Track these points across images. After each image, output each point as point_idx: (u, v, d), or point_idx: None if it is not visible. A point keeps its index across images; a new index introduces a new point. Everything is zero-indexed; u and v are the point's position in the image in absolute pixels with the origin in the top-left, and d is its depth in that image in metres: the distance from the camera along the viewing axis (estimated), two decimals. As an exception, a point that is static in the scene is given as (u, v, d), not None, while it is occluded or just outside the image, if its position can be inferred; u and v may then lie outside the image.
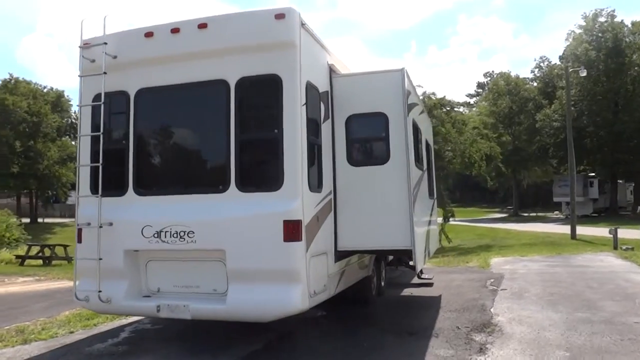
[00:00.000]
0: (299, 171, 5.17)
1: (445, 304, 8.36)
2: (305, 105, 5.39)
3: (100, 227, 5.46)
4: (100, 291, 5.39)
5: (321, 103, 5.98)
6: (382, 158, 6.22)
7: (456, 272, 12.53)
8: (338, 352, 5.85)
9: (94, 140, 5.72)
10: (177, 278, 5.56)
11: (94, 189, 5.75)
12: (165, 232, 5.35)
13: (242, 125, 5.37)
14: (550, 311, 7.60)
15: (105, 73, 5.64)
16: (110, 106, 5.81)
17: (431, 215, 8.87)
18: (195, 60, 5.55)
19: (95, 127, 5.78)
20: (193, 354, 5.80)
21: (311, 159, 5.58)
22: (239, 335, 6.43)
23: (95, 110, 5.79)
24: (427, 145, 8.88)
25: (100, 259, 5.41)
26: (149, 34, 5.69)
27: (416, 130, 7.10)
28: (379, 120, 6.24)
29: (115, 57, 5.75)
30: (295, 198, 5.12)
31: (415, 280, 10.59)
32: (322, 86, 6.05)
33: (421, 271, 11.04)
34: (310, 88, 5.57)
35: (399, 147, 6.10)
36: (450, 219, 21.61)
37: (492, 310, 7.83)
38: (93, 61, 5.78)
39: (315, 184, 5.74)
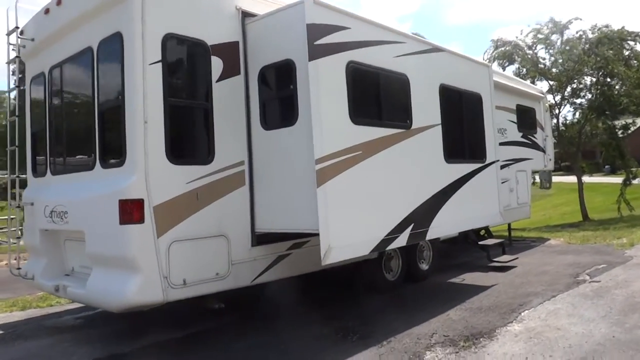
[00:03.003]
0: (141, 141, 4.40)
1: (477, 299, 6.45)
2: (160, 63, 4.55)
3: (18, 206, 5.65)
4: (19, 268, 5.61)
5: (213, 57, 4.99)
6: (290, 117, 4.93)
7: (571, 253, 9.68)
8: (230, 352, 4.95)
9: (23, 123, 5.90)
10: (81, 258, 5.39)
11: (32, 170, 5.99)
12: (54, 211, 5.23)
13: (101, 95, 4.84)
14: (606, 323, 5.15)
15: (18, 57, 5.74)
16: (35, 88, 5.91)
17: (464, 183, 6.83)
18: (74, 30, 5.18)
19: (24, 110, 5.95)
20: (118, 336, 5.66)
21: (181, 125, 4.76)
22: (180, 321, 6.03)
23: (30, 93, 5.97)
24: (453, 94, 6.78)
25: (18, 237, 5.62)
26: (47, 11, 5.53)
27: (369, 77, 5.40)
28: (287, 69, 4.94)
29: (33, 39, 5.78)
30: (133, 174, 4.40)
31: (497, 262, 8.50)
32: (218, 37, 5.04)
33: (503, 251, 8.89)
34: (174, 41, 4.68)
35: (307, 102, 4.73)
36: (633, 181, 16.86)
37: (523, 313, 5.71)
38: (24, 47, 5.92)
39: (200, 154, 4.91)
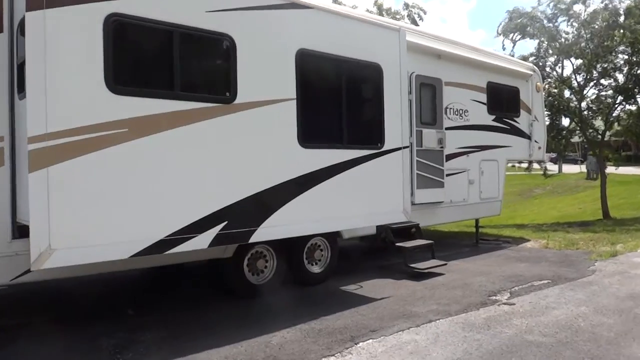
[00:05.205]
0: None
1: (335, 317, 5.22)
2: None
3: None
4: None
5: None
6: (24, 84, 3.91)
7: (530, 260, 8.10)
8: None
9: None
10: None
11: None
12: None
13: None
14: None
15: None
16: None
17: (337, 173, 5.55)
18: None
19: None
20: None
21: None
22: None
23: None
24: (323, 62, 5.47)
25: None
26: None
27: (153, 36, 4.24)
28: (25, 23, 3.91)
29: None
30: None
31: (416, 269, 7.13)
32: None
33: (432, 255, 7.54)
34: None
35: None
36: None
37: (361, 344, 4.47)
38: None
39: None
